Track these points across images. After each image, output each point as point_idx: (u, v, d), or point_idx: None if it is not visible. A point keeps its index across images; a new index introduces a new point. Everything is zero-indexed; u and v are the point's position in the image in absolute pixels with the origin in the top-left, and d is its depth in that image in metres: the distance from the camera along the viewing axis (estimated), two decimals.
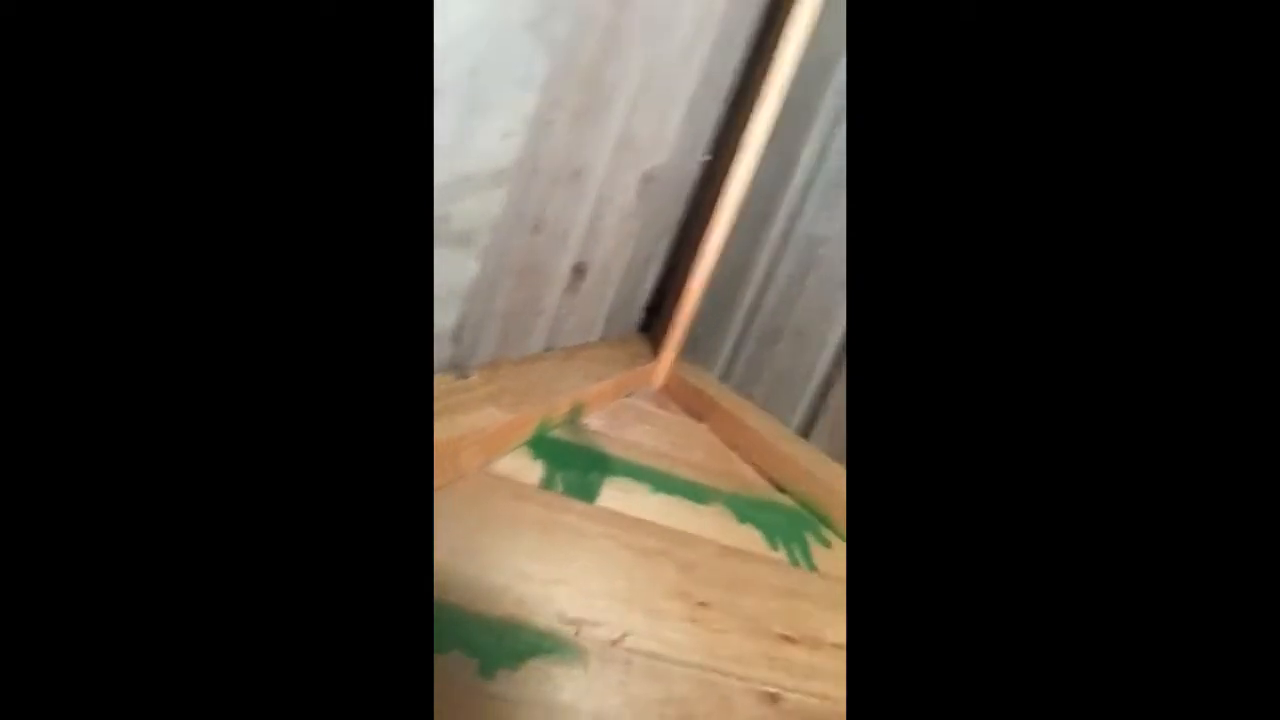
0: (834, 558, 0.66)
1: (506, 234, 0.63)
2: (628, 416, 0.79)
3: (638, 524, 0.59)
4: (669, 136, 0.79)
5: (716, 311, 0.90)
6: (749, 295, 0.87)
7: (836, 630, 0.55)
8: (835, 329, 0.79)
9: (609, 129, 0.69)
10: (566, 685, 0.40)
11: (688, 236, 0.92)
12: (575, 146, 0.65)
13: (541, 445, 0.66)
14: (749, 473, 0.77)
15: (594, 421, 0.74)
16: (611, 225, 0.78)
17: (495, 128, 0.55)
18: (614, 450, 0.70)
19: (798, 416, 0.82)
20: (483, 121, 0.53)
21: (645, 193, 0.80)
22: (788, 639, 0.52)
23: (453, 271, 0.59)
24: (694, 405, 0.86)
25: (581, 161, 0.68)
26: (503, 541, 0.51)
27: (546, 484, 0.60)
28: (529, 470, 0.61)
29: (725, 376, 0.89)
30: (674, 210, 0.91)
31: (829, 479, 0.73)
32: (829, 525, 0.71)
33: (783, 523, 0.69)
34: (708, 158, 0.89)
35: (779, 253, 0.85)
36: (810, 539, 0.67)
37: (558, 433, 0.69)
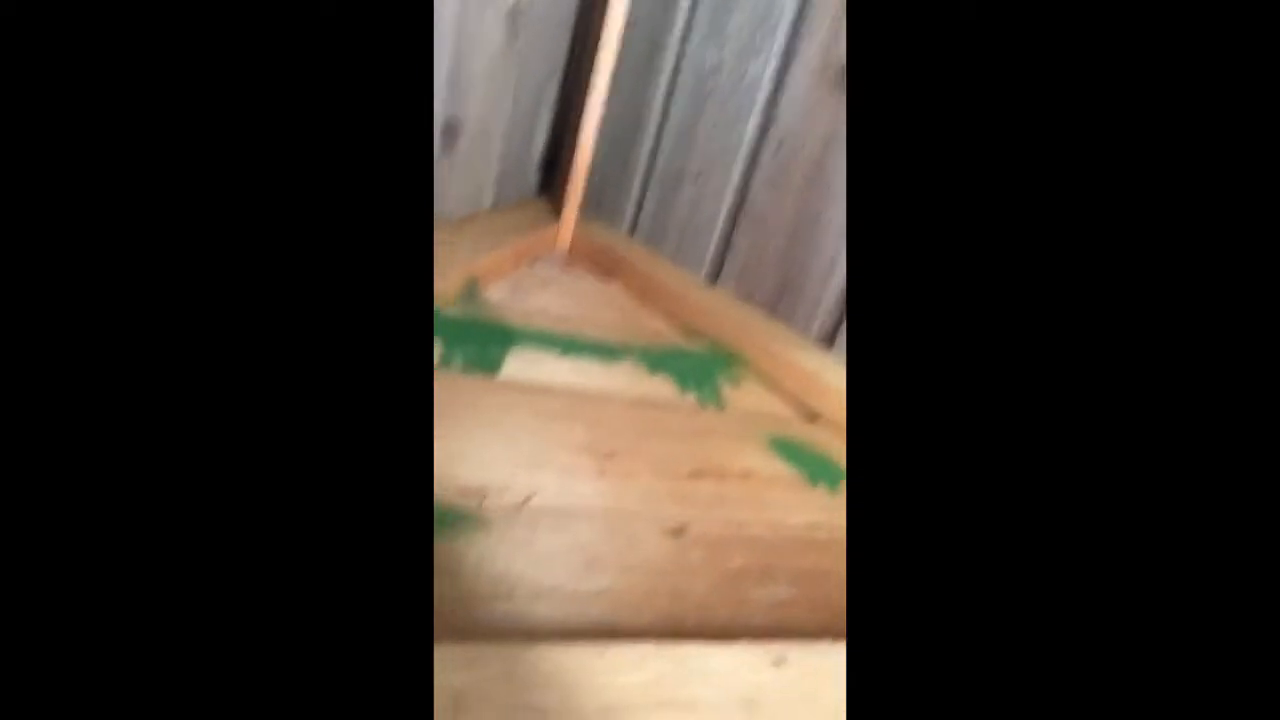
0: (743, 393, 0.67)
1: None
2: (530, 284, 0.76)
3: (544, 390, 0.59)
4: None
5: (616, 160, 0.85)
6: (648, 137, 0.82)
7: (743, 459, 0.57)
8: (735, 167, 0.76)
9: None
10: (470, 551, 0.41)
11: (576, 79, 0.85)
12: None
13: (435, 326, 0.63)
14: (660, 324, 0.76)
15: (494, 294, 0.72)
16: (480, 72, 0.71)
17: None
18: (516, 321, 0.68)
19: (706, 263, 0.81)
20: None
21: (515, 30, 0.72)
22: (696, 474, 0.53)
23: None
24: (603, 264, 0.84)
25: None
26: None
27: (443, 362, 0.58)
28: None
29: (634, 230, 0.86)
30: (556, 49, 0.83)
31: (738, 318, 0.74)
32: (739, 364, 0.72)
33: (694, 367, 0.69)
34: None
35: (672, 86, 0.79)
36: (721, 379, 0.69)
37: (453, 310, 0.67)
